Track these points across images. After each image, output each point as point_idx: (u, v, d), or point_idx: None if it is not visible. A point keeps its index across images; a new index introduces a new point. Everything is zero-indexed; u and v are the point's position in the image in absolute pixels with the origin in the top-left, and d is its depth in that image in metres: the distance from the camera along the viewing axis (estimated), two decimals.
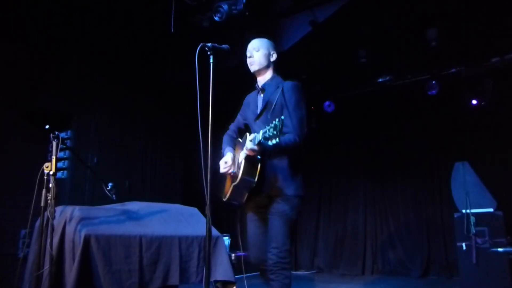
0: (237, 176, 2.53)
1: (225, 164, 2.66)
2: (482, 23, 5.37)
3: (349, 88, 7.51)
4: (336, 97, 7.69)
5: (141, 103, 6.94)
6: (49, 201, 2.87)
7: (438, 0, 5.10)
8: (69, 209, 3.28)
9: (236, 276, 3.68)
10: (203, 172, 2.24)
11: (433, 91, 6.71)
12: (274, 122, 2.14)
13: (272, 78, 2.73)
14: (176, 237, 3.50)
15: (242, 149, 2.57)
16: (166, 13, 5.32)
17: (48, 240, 2.82)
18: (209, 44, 2.30)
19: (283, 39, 5.56)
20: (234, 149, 2.78)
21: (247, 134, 2.57)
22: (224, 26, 5.17)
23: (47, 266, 2.84)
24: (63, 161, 5.78)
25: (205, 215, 2.13)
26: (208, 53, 2.30)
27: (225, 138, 2.90)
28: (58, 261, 2.99)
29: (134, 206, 3.80)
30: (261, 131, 2.26)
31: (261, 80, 2.76)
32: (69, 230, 3.09)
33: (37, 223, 3.26)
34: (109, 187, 3.42)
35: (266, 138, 2.20)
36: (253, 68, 2.72)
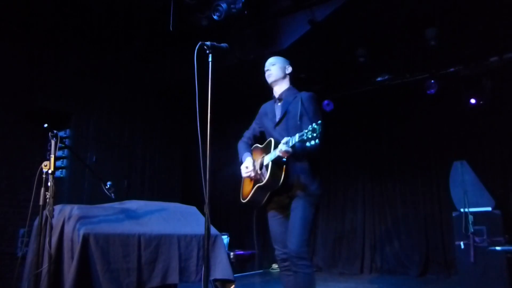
0: (262, 179, 2.74)
1: (247, 168, 2.85)
2: (481, 22, 5.38)
3: (348, 87, 7.52)
4: (334, 96, 7.69)
5: (140, 101, 6.94)
6: (47, 200, 2.87)
7: None
8: (67, 208, 3.28)
9: (235, 275, 3.68)
10: (202, 171, 2.24)
11: (432, 90, 6.72)
12: (312, 125, 2.36)
13: (288, 89, 3.00)
14: (175, 235, 3.50)
15: (265, 153, 2.82)
16: (165, 11, 5.32)
17: (47, 239, 2.82)
18: (208, 43, 2.30)
19: (282, 38, 5.56)
20: (251, 154, 2.98)
21: (272, 139, 2.80)
22: (223, 25, 5.17)
23: (45, 265, 2.84)
24: (62, 160, 5.77)
25: (203, 214, 2.13)
26: (207, 51, 2.30)
27: (241, 145, 3.11)
28: (57, 260, 2.99)
29: (132, 205, 3.79)
30: (297, 135, 2.44)
31: (278, 90, 3.02)
32: (68, 229, 3.09)
33: (36, 222, 3.26)
34: (108, 186, 3.42)
35: (303, 141, 2.39)
36: (270, 79, 3.00)
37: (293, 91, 3.00)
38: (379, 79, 7.16)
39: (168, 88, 7.05)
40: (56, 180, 2.97)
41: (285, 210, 2.85)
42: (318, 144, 2.60)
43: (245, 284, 6.12)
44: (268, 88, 3.11)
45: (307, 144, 2.38)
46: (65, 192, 5.68)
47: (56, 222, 3.09)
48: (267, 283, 6.48)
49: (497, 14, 5.16)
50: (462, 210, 5.33)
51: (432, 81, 6.69)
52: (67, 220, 3.14)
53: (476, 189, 5.40)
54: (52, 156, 3.00)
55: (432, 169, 7.24)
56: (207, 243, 2.07)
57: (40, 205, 2.93)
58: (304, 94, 2.90)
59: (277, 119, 2.95)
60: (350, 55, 6.25)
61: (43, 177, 2.94)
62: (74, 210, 3.21)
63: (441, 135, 7.09)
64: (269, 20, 5.58)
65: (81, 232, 2.96)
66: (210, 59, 2.29)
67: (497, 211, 5.19)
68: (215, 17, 5.03)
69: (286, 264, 2.83)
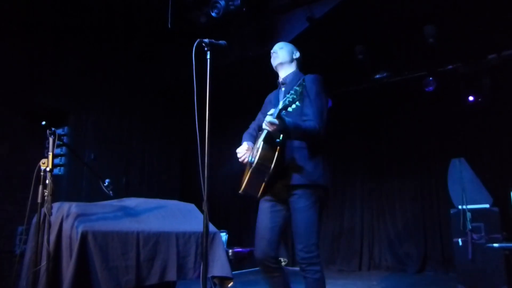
0: (253, 162, 2.47)
1: (239, 154, 2.68)
2: (479, 19, 5.38)
3: (346, 85, 7.51)
4: (333, 93, 7.69)
5: (138, 99, 6.93)
6: (46, 198, 2.87)
7: None
8: (66, 205, 3.27)
9: (233, 272, 3.69)
10: (200, 168, 2.23)
11: (430, 88, 6.72)
12: (294, 87, 2.15)
13: (294, 73, 2.83)
14: (173, 233, 3.50)
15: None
16: (164, 9, 5.31)
17: (45, 237, 2.81)
18: (206, 40, 2.29)
19: (280, 35, 5.55)
20: (254, 144, 2.78)
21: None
22: (221, 22, 5.16)
23: (44, 262, 2.84)
24: (60, 157, 5.76)
25: (202, 211, 2.13)
26: (205, 49, 2.29)
27: (245, 136, 2.93)
28: (55, 258, 2.99)
29: (131, 202, 3.79)
30: (281, 102, 2.24)
31: (282, 74, 2.84)
32: (66, 226, 3.08)
33: (34, 220, 3.25)
34: (106, 183, 3.42)
35: (286, 106, 2.17)
36: (276, 61, 2.82)
37: (299, 75, 2.81)
38: (377, 76, 7.16)
39: (167, 85, 7.04)
40: (54, 177, 2.97)
41: (282, 205, 2.60)
42: (316, 127, 2.45)
43: (243, 281, 6.13)
44: (273, 76, 2.94)
45: (289, 109, 2.18)
46: (63, 189, 5.68)
47: (55, 219, 3.08)
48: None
49: (495, 11, 5.17)
50: (460, 207, 5.34)
51: (431, 78, 6.69)
52: (66, 217, 3.14)
53: (474, 186, 5.41)
54: (50, 153, 2.99)
55: (430, 166, 7.24)
56: (205, 240, 2.07)
57: (38, 202, 2.93)
58: (308, 76, 2.72)
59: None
60: (348, 53, 6.25)
61: (41, 174, 2.94)
62: (72, 207, 3.20)
63: (440, 132, 7.09)
64: (268, 17, 5.57)
65: (80, 230, 2.96)
66: (208, 57, 2.28)
67: (495, 208, 5.20)
68: (213, 14, 5.02)
69: (268, 264, 2.58)
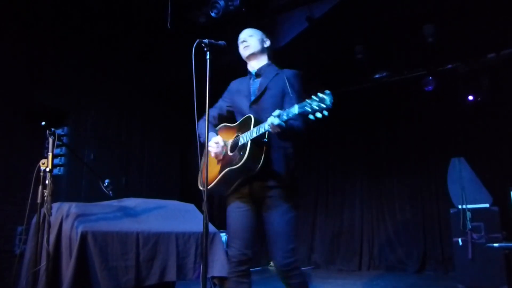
0: (235, 160, 2.30)
1: (216, 144, 2.45)
2: (479, 19, 5.38)
3: (345, 84, 7.51)
4: (332, 93, 7.67)
5: (138, 99, 6.93)
6: (45, 198, 2.87)
7: None
8: (65, 205, 3.27)
9: None
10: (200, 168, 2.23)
11: (430, 87, 6.72)
12: (318, 94, 1.99)
13: (268, 65, 2.65)
14: (173, 233, 3.50)
15: (240, 132, 2.40)
16: (163, 8, 5.30)
17: (45, 237, 2.81)
18: (206, 40, 2.28)
19: (280, 35, 5.55)
20: (217, 135, 2.58)
21: (251, 116, 2.37)
22: (221, 22, 5.16)
23: (43, 262, 2.84)
24: (59, 157, 5.76)
25: (202, 212, 2.12)
26: (205, 49, 2.28)
27: (203, 124, 2.58)
28: (55, 258, 2.99)
29: (131, 202, 3.79)
30: (296, 106, 2.07)
31: (255, 65, 2.65)
32: (66, 226, 3.08)
33: (34, 220, 3.25)
34: (106, 183, 3.41)
35: (305, 113, 2.02)
36: (248, 51, 2.62)
37: (274, 68, 2.63)
38: (377, 76, 7.16)
39: (166, 85, 7.03)
40: (54, 177, 2.97)
41: (252, 201, 2.44)
42: (303, 128, 2.33)
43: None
44: (243, 65, 2.75)
45: (311, 117, 2.01)
46: (63, 189, 5.67)
47: (54, 220, 3.08)
48: (265, 280, 6.48)
49: (494, 10, 5.17)
50: (460, 206, 5.34)
51: (430, 78, 6.70)
52: (65, 218, 3.14)
53: (474, 185, 5.41)
54: (50, 154, 2.99)
55: (430, 166, 7.25)
56: (205, 240, 2.07)
57: (38, 202, 2.93)
58: (288, 72, 2.56)
59: (253, 97, 2.55)
60: (348, 52, 6.25)
61: (40, 174, 2.94)
62: (72, 207, 3.20)
63: (439, 131, 7.10)
64: (267, 17, 5.57)
65: (79, 230, 2.96)
66: (208, 57, 2.28)
67: (495, 208, 5.21)
68: (212, 14, 5.02)
69: (243, 268, 2.38)
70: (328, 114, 1.99)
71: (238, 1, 4.89)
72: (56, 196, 3.43)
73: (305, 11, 5.26)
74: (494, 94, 6.44)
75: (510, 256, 4.95)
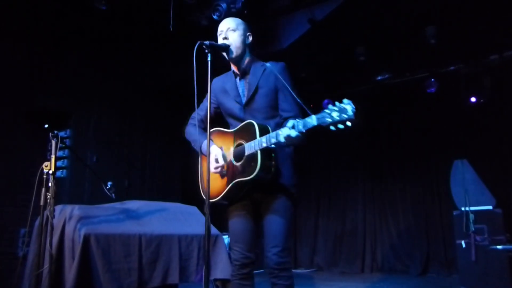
0: (245, 171, 2.23)
1: (217, 163, 2.35)
2: (481, 20, 5.37)
3: (347, 86, 7.52)
4: (334, 95, 7.69)
5: (140, 101, 6.94)
6: (48, 200, 2.87)
7: None
8: (68, 208, 3.28)
9: None
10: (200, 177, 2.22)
11: (432, 89, 6.71)
12: (338, 104, 1.87)
13: (252, 60, 2.48)
14: (175, 235, 3.50)
15: (242, 140, 2.30)
16: (165, 11, 5.32)
17: (48, 239, 2.82)
18: (207, 42, 2.27)
19: (282, 37, 5.56)
20: (212, 142, 2.48)
21: (254, 123, 2.25)
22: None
23: (46, 265, 2.84)
24: (62, 160, 5.77)
25: (204, 214, 2.12)
26: (206, 51, 2.28)
27: (193, 130, 2.54)
28: (58, 260, 3.00)
29: (133, 205, 3.80)
30: (314, 117, 1.96)
31: (238, 63, 2.47)
32: (69, 229, 3.09)
33: (37, 222, 3.26)
34: (109, 186, 3.42)
35: (323, 124, 1.92)
36: (230, 55, 2.41)
37: (259, 62, 2.47)
38: (379, 78, 7.16)
39: (168, 87, 7.05)
40: (57, 180, 2.98)
41: (254, 203, 2.40)
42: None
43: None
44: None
45: (332, 128, 1.93)
46: (66, 192, 5.69)
47: (57, 222, 3.09)
48: (268, 282, 6.47)
49: (496, 12, 5.16)
50: (463, 208, 5.32)
51: (432, 79, 6.69)
52: (68, 220, 3.14)
53: (477, 187, 5.39)
54: (53, 156, 3.00)
55: (432, 168, 7.23)
56: (207, 243, 2.06)
57: (41, 205, 2.93)
58: (276, 65, 2.41)
59: (245, 98, 2.42)
60: (350, 54, 6.25)
61: (43, 177, 2.94)
62: (75, 210, 3.21)
63: (442, 134, 7.08)
64: (269, 19, 5.58)
65: (82, 232, 2.97)
66: (209, 59, 2.27)
67: (498, 210, 5.18)
68: (215, 17, 5.03)
69: (245, 271, 2.37)
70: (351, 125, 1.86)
71: (240, 4, 4.90)
72: (59, 199, 3.44)
73: (307, 13, 5.27)
74: (497, 95, 6.42)
75: None
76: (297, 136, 2.04)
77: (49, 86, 5.72)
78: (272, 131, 2.19)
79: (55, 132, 3.09)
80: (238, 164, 2.30)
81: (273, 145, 2.16)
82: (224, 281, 3.57)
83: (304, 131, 2.03)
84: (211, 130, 2.46)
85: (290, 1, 5.35)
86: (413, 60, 6.65)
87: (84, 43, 6.09)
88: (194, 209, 4.15)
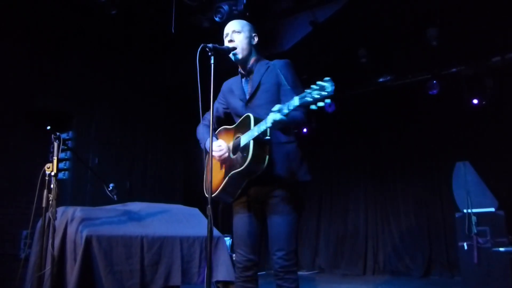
0: (238, 162, 2.22)
1: (219, 147, 2.35)
2: (483, 22, 5.37)
3: (349, 88, 7.51)
4: (336, 97, 7.69)
5: (142, 103, 6.95)
6: (50, 202, 2.88)
7: None
8: (70, 209, 3.29)
9: None
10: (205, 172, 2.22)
11: (434, 91, 6.70)
12: (319, 82, 1.88)
13: (257, 59, 2.52)
14: (177, 237, 3.50)
15: (240, 133, 2.31)
16: (167, 13, 5.33)
17: (50, 241, 2.82)
18: (210, 45, 2.27)
19: (284, 39, 5.56)
20: (217, 138, 2.50)
21: (250, 115, 2.26)
22: (225, 26, 5.17)
23: (48, 266, 2.84)
24: (64, 162, 5.78)
25: (206, 216, 2.11)
26: (209, 53, 2.28)
27: (203, 129, 2.56)
28: (60, 262, 3.00)
29: (135, 206, 3.80)
30: (296, 98, 1.97)
31: (245, 63, 2.51)
32: (71, 230, 3.10)
33: (39, 224, 3.27)
34: (110, 187, 3.43)
35: (307, 103, 1.91)
36: (234, 57, 2.45)
37: (264, 61, 2.51)
38: (381, 80, 7.16)
39: (170, 89, 7.06)
40: (59, 182, 2.99)
41: (257, 205, 2.38)
42: (303, 118, 2.25)
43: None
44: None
45: (313, 107, 1.92)
46: (68, 194, 5.69)
47: (59, 224, 3.10)
48: (270, 284, 6.46)
49: (498, 13, 5.16)
50: (465, 211, 5.31)
51: (434, 81, 6.68)
52: (70, 222, 3.15)
53: (479, 189, 5.38)
54: (55, 158, 3.01)
55: (434, 170, 7.22)
56: (209, 244, 2.06)
57: (43, 207, 2.94)
58: (279, 62, 2.44)
59: (247, 95, 2.46)
60: (352, 56, 6.25)
61: (46, 179, 2.95)
62: (76, 212, 3.22)
63: (444, 135, 7.07)
64: (271, 21, 5.58)
65: (84, 234, 2.97)
66: (212, 61, 2.28)
67: (500, 212, 5.17)
68: (216, 19, 5.03)
69: (249, 273, 2.36)
70: (330, 101, 1.89)
71: (242, 6, 4.90)
72: (61, 200, 3.45)
73: (309, 15, 5.28)
74: (499, 97, 6.41)
75: None
76: (281, 120, 2.04)
77: (51, 87, 5.73)
78: None
79: (57, 134, 3.10)
80: (234, 156, 2.31)
81: (267, 137, 2.15)
82: (226, 283, 3.57)
83: (287, 112, 2.02)
84: (219, 129, 2.56)
85: (292, 3, 5.36)
86: (415, 62, 6.65)
87: (86, 44, 6.11)
88: (195, 210, 4.15)
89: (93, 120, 6.22)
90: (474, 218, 5.18)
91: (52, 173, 2.96)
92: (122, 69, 6.58)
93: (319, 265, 7.99)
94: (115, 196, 3.45)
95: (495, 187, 5.50)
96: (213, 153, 2.33)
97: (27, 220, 3.26)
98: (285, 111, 2.03)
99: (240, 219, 2.41)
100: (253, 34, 2.53)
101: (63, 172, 5.74)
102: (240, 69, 2.56)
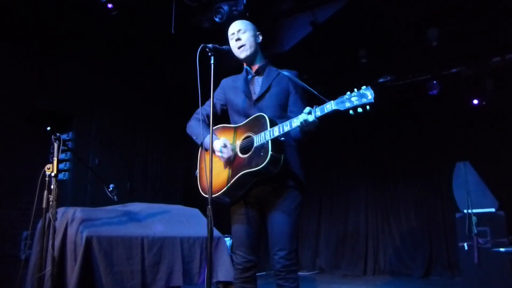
0: (253, 162, 2.21)
1: (225, 148, 2.33)
2: (483, 22, 5.37)
3: (349, 88, 7.49)
4: (337, 97, 7.67)
5: (142, 104, 6.95)
6: (50, 203, 2.88)
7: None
8: (70, 210, 3.29)
9: None
10: (206, 172, 2.22)
11: (434, 91, 6.70)
12: (356, 90, 1.96)
13: (267, 63, 2.57)
14: (178, 238, 3.50)
15: (251, 132, 2.30)
16: (167, 14, 5.33)
17: (50, 242, 2.82)
18: (210, 45, 2.28)
19: (284, 39, 5.56)
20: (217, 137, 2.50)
21: (265, 115, 2.27)
22: (225, 27, 5.17)
23: (49, 267, 2.84)
24: (64, 162, 5.78)
25: (206, 216, 2.11)
26: (209, 54, 2.28)
27: (197, 124, 2.57)
28: (60, 263, 3.00)
29: (135, 207, 3.80)
30: (333, 102, 2.08)
31: (253, 62, 2.56)
32: (71, 231, 3.10)
33: (39, 225, 3.26)
34: (111, 188, 3.43)
35: (342, 108, 1.98)
36: (244, 53, 2.50)
37: (274, 68, 2.56)
38: (381, 80, 7.15)
39: (170, 90, 7.06)
40: (59, 182, 2.99)
41: (257, 205, 2.38)
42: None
43: None
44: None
45: (351, 112, 2.00)
46: (68, 194, 5.69)
47: (59, 224, 3.10)
48: (270, 285, 6.46)
49: (499, 14, 5.15)
50: (465, 211, 5.31)
51: (434, 82, 6.68)
52: (70, 222, 3.15)
53: (480, 190, 5.38)
54: (55, 158, 3.01)
55: (435, 170, 7.21)
56: (210, 245, 2.06)
57: (43, 207, 2.94)
58: (289, 72, 2.51)
59: (256, 95, 2.46)
60: (352, 57, 6.25)
61: (46, 179, 2.95)
62: (77, 212, 3.22)
63: (444, 136, 7.07)
64: (271, 22, 5.58)
65: (84, 235, 2.97)
66: (212, 62, 2.28)
67: (500, 212, 5.17)
68: (216, 19, 5.03)
69: (248, 274, 2.36)
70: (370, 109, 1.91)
71: (242, 6, 4.90)
72: (61, 201, 3.44)
73: (309, 16, 5.28)
74: (499, 98, 6.41)
75: None
76: (313, 122, 2.10)
77: (51, 88, 5.73)
78: None
79: (58, 134, 3.10)
80: (245, 156, 2.29)
81: (282, 138, 2.20)
82: (226, 283, 3.57)
83: (321, 115, 2.10)
84: (215, 126, 2.53)
85: (292, 3, 5.36)
86: (415, 62, 6.64)
87: (86, 45, 6.11)
88: (196, 211, 4.15)
89: (93, 120, 6.22)
90: (474, 219, 5.17)
91: (52, 174, 2.96)
92: (122, 70, 6.58)
93: (320, 265, 7.98)
94: (115, 197, 3.44)
95: (495, 187, 5.50)
96: (220, 154, 2.34)
97: (28, 221, 3.26)
98: (318, 113, 2.11)
99: (240, 220, 2.41)
100: (257, 33, 2.59)
101: (63, 172, 5.74)
102: (247, 67, 2.57)
